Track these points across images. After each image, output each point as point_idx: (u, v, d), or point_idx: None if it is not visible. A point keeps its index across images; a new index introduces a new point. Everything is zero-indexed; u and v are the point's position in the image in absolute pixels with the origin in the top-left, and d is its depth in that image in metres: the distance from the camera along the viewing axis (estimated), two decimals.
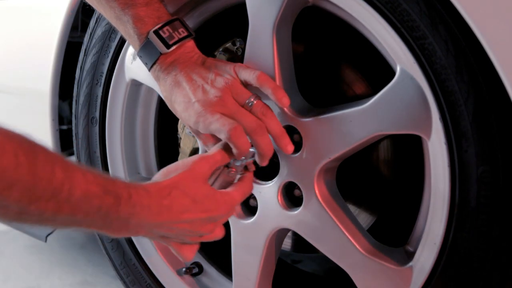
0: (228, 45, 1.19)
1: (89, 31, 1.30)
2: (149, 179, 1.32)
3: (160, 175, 0.97)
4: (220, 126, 0.96)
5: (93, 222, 0.82)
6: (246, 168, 1.04)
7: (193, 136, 1.23)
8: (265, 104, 1.00)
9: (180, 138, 1.27)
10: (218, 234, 0.99)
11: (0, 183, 0.69)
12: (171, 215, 0.90)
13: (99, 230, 0.85)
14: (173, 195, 0.91)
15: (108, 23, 1.25)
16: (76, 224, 0.81)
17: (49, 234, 1.59)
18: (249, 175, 1.04)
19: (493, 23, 0.79)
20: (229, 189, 1.00)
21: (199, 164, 0.96)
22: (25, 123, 1.11)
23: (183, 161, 0.99)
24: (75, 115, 1.35)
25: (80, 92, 1.33)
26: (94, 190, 0.79)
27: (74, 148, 1.38)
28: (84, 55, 1.32)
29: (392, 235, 1.17)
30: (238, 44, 1.18)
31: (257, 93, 1.01)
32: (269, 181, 1.09)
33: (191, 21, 1.21)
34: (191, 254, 1.01)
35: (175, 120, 1.27)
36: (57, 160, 0.75)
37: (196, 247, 1.01)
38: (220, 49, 1.20)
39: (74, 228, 0.82)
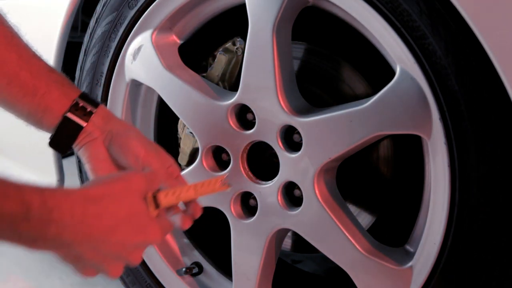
0: (228, 45, 1.19)
1: (89, 31, 1.30)
2: None
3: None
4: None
5: (0, 233, 0.72)
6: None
7: (193, 136, 1.23)
8: None
9: (180, 138, 1.27)
10: (137, 262, 0.87)
11: None
12: (100, 228, 0.79)
13: (12, 242, 0.75)
14: (105, 203, 0.80)
15: (108, 23, 1.25)
16: None
17: None
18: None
19: (493, 23, 0.79)
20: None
21: (136, 177, 0.86)
22: (25, 122, 1.11)
23: (116, 173, 0.92)
24: None
25: None
26: None
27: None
28: (84, 55, 1.32)
29: (392, 235, 1.17)
30: (238, 44, 1.18)
31: None
32: (269, 181, 1.09)
33: (191, 22, 1.21)
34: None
35: (175, 120, 1.27)
36: None
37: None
38: (220, 49, 1.20)
39: None
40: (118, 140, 0.99)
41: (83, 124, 0.98)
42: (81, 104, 0.98)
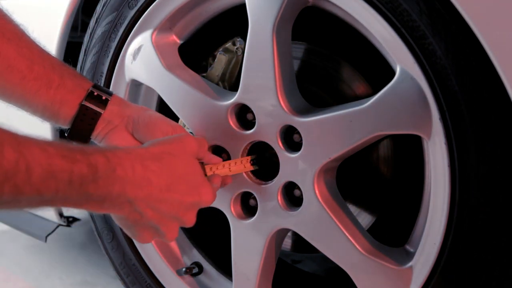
0: (228, 45, 1.19)
1: (89, 31, 1.30)
2: None
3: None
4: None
5: (68, 198, 0.74)
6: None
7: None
8: None
9: None
10: (191, 223, 0.92)
11: None
12: (159, 186, 0.82)
13: (78, 206, 0.77)
14: (164, 161, 0.84)
15: (108, 23, 1.25)
16: (48, 203, 0.74)
17: (49, 234, 1.59)
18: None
19: (493, 23, 0.79)
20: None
21: (188, 139, 0.92)
22: (26, 122, 1.11)
23: (169, 136, 0.95)
24: None
25: None
26: (58, 163, 0.71)
27: None
28: (84, 55, 1.32)
29: (392, 235, 1.17)
30: (238, 44, 1.18)
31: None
32: (269, 181, 1.09)
33: (191, 22, 1.21)
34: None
35: (175, 120, 1.27)
36: (6, 139, 0.68)
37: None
38: (220, 49, 1.20)
39: (47, 206, 0.75)
40: (142, 122, 1.01)
41: (101, 111, 1.00)
42: (96, 93, 1.00)
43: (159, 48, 1.19)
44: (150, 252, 1.30)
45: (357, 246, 1.01)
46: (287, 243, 1.35)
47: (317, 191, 1.03)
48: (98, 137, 1.02)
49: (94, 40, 1.28)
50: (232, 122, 1.10)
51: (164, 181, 0.84)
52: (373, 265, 1.00)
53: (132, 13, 1.21)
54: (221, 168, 1.03)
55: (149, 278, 1.31)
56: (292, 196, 1.09)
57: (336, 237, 1.02)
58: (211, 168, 1.02)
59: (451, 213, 0.90)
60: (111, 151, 0.79)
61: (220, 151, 1.14)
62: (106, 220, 1.35)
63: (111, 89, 1.28)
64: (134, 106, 1.05)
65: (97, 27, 1.27)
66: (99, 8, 1.28)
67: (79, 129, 1.00)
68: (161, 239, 0.90)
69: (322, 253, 1.06)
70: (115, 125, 1.01)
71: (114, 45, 1.25)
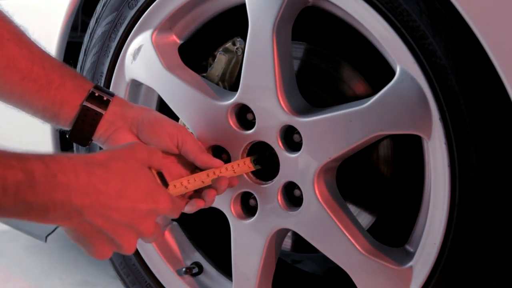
0: (228, 45, 1.19)
1: (89, 31, 1.30)
2: None
3: None
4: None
5: (6, 208, 0.70)
6: None
7: None
8: None
9: None
10: (156, 237, 0.87)
11: None
12: (108, 193, 0.77)
13: (21, 217, 0.72)
14: (111, 166, 0.80)
15: (108, 23, 1.25)
16: None
17: (49, 234, 1.59)
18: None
19: (493, 23, 0.79)
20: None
21: (138, 146, 0.88)
22: (26, 123, 1.11)
23: (119, 145, 0.92)
24: None
25: None
26: None
27: (74, 149, 1.38)
28: (84, 55, 1.32)
29: (392, 235, 1.17)
30: (238, 44, 1.18)
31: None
32: (269, 181, 1.09)
33: (191, 22, 1.21)
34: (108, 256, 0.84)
35: (175, 120, 1.27)
36: None
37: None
38: (220, 49, 1.20)
39: None
40: (147, 123, 1.01)
41: (102, 111, 0.99)
42: (97, 94, 0.99)
43: (159, 48, 1.19)
44: (150, 252, 1.30)
45: (357, 246, 1.01)
46: (287, 243, 1.35)
47: (317, 191, 1.03)
48: (100, 138, 1.01)
49: (94, 40, 1.28)
50: (232, 122, 1.10)
51: (113, 187, 0.79)
52: (373, 265, 1.00)
53: (132, 13, 1.21)
54: (224, 171, 1.04)
55: (149, 278, 1.31)
56: (292, 196, 1.09)
57: (336, 237, 1.02)
58: (214, 172, 1.02)
59: (451, 213, 0.90)
60: (51, 157, 0.75)
61: (220, 151, 1.14)
62: None
63: (111, 89, 1.28)
64: (136, 107, 1.04)
65: (97, 27, 1.27)
66: (99, 8, 1.28)
67: (80, 130, 0.99)
68: (120, 251, 0.84)
69: (322, 253, 1.06)
70: (118, 127, 1.01)
71: (114, 45, 1.25)
